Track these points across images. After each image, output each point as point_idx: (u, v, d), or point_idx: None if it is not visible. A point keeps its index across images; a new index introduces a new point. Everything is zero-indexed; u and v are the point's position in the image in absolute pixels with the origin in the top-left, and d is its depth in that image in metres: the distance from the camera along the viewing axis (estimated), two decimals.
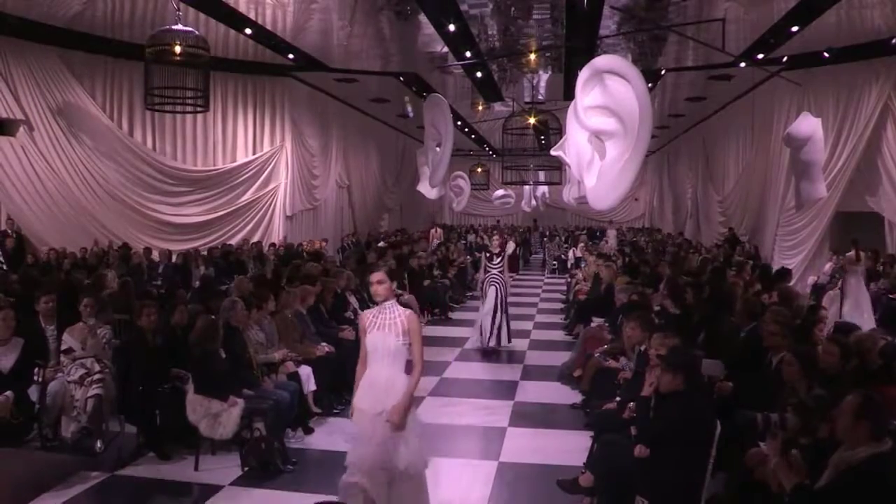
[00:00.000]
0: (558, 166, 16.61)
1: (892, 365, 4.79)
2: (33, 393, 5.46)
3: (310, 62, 14.08)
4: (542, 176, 20.21)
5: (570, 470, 5.14)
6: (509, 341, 10.14)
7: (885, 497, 3.07)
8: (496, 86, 15.83)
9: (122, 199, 13.35)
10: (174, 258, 12.26)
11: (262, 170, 15.52)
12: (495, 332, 9.94)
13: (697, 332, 7.00)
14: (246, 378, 5.80)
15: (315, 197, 17.60)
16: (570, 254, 20.24)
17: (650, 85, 13.43)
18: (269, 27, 11.89)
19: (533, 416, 7.01)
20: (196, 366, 5.54)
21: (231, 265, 12.09)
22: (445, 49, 13.20)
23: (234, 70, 14.52)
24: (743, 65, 12.95)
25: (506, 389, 8.01)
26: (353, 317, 8.75)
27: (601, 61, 6.84)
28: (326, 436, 6.26)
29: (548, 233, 28.42)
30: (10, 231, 11.29)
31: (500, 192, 23.92)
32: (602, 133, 6.77)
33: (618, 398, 5.41)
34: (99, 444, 5.58)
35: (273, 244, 14.83)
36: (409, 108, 18.88)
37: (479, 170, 22.60)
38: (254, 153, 15.53)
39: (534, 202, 24.52)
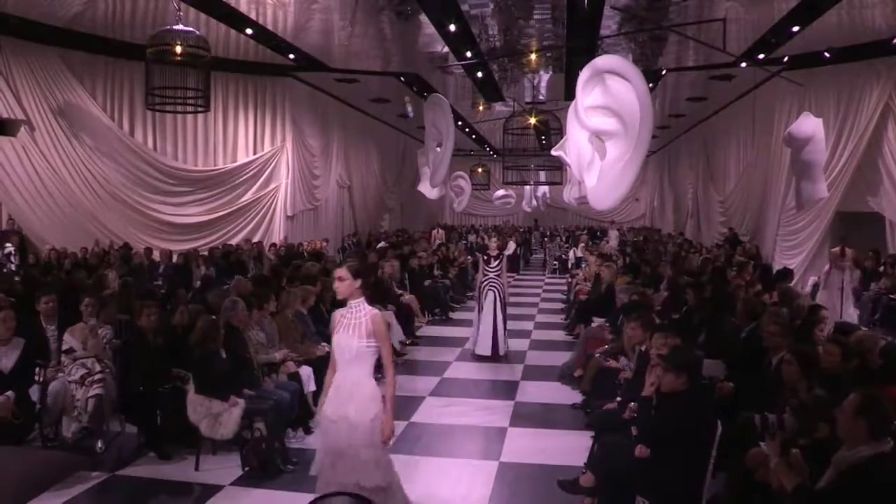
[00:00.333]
0: (559, 166, 16.60)
1: (893, 365, 4.78)
2: (34, 393, 5.47)
3: (310, 62, 14.08)
4: (542, 176, 20.20)
5: (570, 470, 5.15)
6: (507, 346, 9.74)
7: (887, 498, 3.07)
8: (497, 86, 15.83)
9: (123, 199, 13.36)
10: (175, 258, 12.27)
11: (263, 170, 15.53)
12: (497, 339, 9.53)
13: (698, 333, 7.01)
14: (246, 378, 5.80)
15: (316, 197, 17.60)
16: (571, 254, 20.24)
17: (651, 85, 13.46)
18: (269, 27, 11.89)
19: (533, 417, 7.01)
20: (197, 366, 5.54)
21: (231, 265, 12.09)
22: (446, 49, 13.20)
23: (234, 70, 14.53)
24: (744, 65, 12.94)
25: (506, 389, 8.02)
26: None
27: (602, 61, 6.84)
28: None
29: (548, 233, 28.41)
30: (12, 231, 11.29)
31: (501, 192, 23.93)
32: (603, 133, 6.77)
33: (618, 398, 5.41)
34: (100, 443, 5.59)
35: (274, 244, 14.84)
36: (410, 109, 18.88)
37: (480, 170, 22.60)
38: (254, 153, 15.54)
39: (534, 202, 24.52)
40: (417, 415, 6.97)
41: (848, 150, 12.97)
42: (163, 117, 13.55)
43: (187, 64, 7.27)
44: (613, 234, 23.21)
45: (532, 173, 18.55)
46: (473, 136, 24.31)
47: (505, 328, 9.75)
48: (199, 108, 7.96)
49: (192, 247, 13.51)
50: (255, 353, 6.21)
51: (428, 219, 28.43)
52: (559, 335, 11.31)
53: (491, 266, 9.93)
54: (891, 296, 10.81)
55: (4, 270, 10.23)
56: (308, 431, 6.26)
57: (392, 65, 15.07)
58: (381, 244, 17.80)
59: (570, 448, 5.85)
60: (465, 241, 23.87)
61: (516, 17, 11.79)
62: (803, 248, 13.83)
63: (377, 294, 10.13)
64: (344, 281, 3.88)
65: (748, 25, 11.25)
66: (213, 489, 5.06)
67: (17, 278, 9.14)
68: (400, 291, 11.15)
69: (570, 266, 19.15)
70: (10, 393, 5.21)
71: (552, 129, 14.77)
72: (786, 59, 12.80)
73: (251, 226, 15.41)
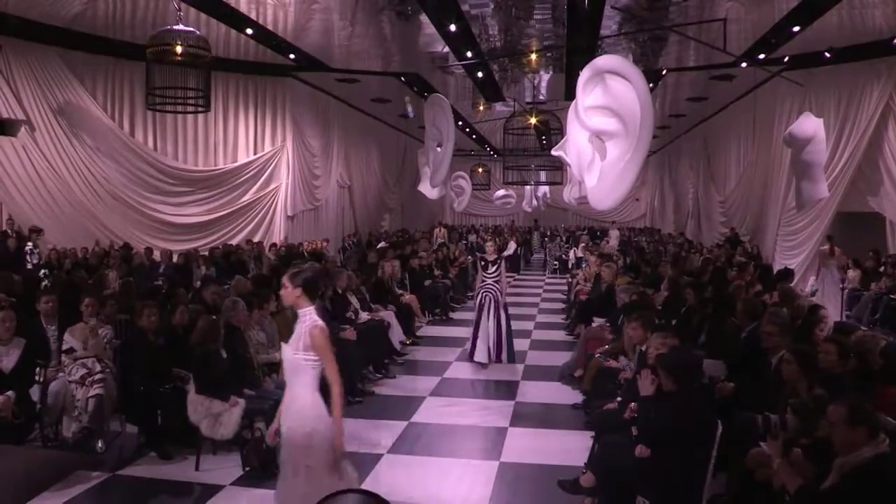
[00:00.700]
0: (559, 166, 16.59)
1: (893, 365, 4.78)
2: (35, 393, 5.47)
3: (311, 62, 14.09)
4: (543, 176, 20.18)
5: (571, 470, 5.15)
6: (511, 353, 9.24)
7: (890, 498, 3.07)
8: (497, 86, 15.83)
9: (124, 199, 13.37)
10: (175, 258, 12.27)
11: (263, 170, 15.54)
12: (503, 347, 9.12)
13: (698, 333, 7.01)
14: (247, 378, 5.80)
15: (316, 197, 17.61)
16: (571, 254, 20.23)
17: (651, 85, 13.46)
18: (270, 27, 11.90)
19: (534, 417, 7.01)
20: (197, 366, 5.54)
21: (232, 265, 12.10)
22: (446, 49, 13.20)
23: (235, 70, 14.53)
24: (744, 65, 12.95)
25: (507, 389, 8.01)
26: (353, 317, 8.77)
27: (602, 61, 6.83)
28: None
29: (549, 233, 28.41)
30: (10, 231, 11.29)
31: (501, 192, 23.92)
32: (603, 133, 6.75)
33: (619, 398, 5.41)
34: (100, 443, 5.59)
35: (274, 244, 14.85)
36: (410, 109, 18.88)
37: (481, 170, 22.61)
38: (255, 153, 15.55)
39: (535, 202, 24.53)
40: (418, 415, 6.97)
41: (848, 150, 12.97)
42: (163, 117, 13.55)
43: (188, 64, 7.29)
44: (614, 234, 23.20)
45: (532, 173, 18.53)
46: (474, 136, 24.32)
47: (509, 333, 9.24)
48: (200, 108, 7.97)
49: (192, 247, 13.52)
50: (256, 352, 6.22)
51: (428, 219, 28.44)
52: (559, 335, 11.30)
53: (488, 272, 9.25)
54: (891, 296, 10.82)
55: (28, 267, 10.35)
56: None
57: (392, 65, 15.07)
58: (382, 244, 17.81)
59: (570, 448, 5.85)
60: (465, 241, 23.87)
61: (516, 17, 11.79)
62: (804, 248, 13.84)
63: (377, 294, 10.16)
64: (285, 288, 3.72)
65: (748, 25, 11.26)
66: (214, 489, 5.06)
67: (42, 273, 9.40)
68: (400, 291, 11.14)
69: (570, 266, 19.14)
70: (10, 393, 5.21)
71: (552, 129, 14.77)
72: (786, 59, 12.81)
73: (251, 226, 15.42)
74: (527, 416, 6.98)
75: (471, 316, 10.79)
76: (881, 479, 3.08)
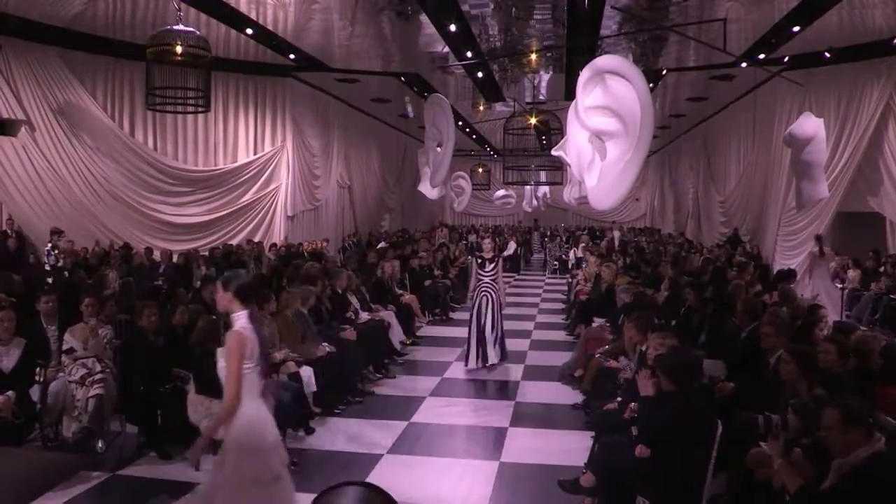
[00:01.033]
0: (559, 166, 16.60)
1: (893, 365, 4.78)
2: (35, 393, 5.48)
3: (311, 62, 14.09)
4: (543, 176, 20.20)
5: (571, 470, 5.15)
6: (505, 356, 9.00)
7: (890, 496, 3.08)
8: (497, 86, 15.82)
9: (124, 199, 13.36)
10: (175, 258, 12.27)
11: (264, 170, 15.53)
12: (495, 349, 8.81)
13: (698, 333, 7.01)
14: None
15: (316, 197, 17.60)
16: (571, 254, 20.24)
17: (651, 85, 13.45)
18: (270, 27, 11.89)
19: (534, 417, 7.01)
20: (197, 366, 5.53)
21: (232, 265, 12.08)
22: (446, 49, 13.20)
23: (235, 70, 14.52)
24: (744, 65, 12.94)
25: (507, 389, 8.02)
26: (353, 317, 8.78)
27: (602, 61, 6.83)
28: (327, 436, 6.27)
29: (549, 233, 28.42)
30: (10, 231, 11.29)
31: (502, 192, 23.93)
32: (603, 133, 6.76)
33: (619, 398, 5.42)
34: (100, 443, 5.59)
35: (274, 244, 14.85)
36: (410, 109, 18.89)
37: (481, 170, 22.61)
38: (255, 153, 15.54)
39: (535, 202, 24.54)
40: (418, 415, 6.98)
41: (848, 150, 12.97)
42: (163, 117, 13.54)
43: (188, 64, 7.28)
44: (616, 235, 23.19)
45: (532, 173, 18.55)
46: (474, 137, 24.32)
47: (501, 338, 8.92)
48: (200, 109, 7.96)
49: (192, 247, 13.51)
50: None
51: (428, 219, 28.45)
52: (560, 335, 11.30)
53: (486, 270, 9.01)
54: (891, 296, 10.83)
55: (48, 265, 10.43)
56: (309, 432, 6.27)
57: (392, 65, 15.07)
58: (382, 244, 17.81)
59: (570, 448, 5.85)
60: (465, 241, 23.88)
61: (516, 17, 11.79)
62: (804, 248, 13.82)
63: (377, 294, 10.17)
64: (218, 293, 3.65)
65: (748, 25, 11.26)
66: None
67: (66, 272, 9.51)
68: (400, 291, 11.15)
69: (570, 266, 19.15)
70: (10, 393, 5.22)
71: (552, 129, 14.78)
72: (786, 59, 12.80)
73: (251, 226, 15.41)
74: (527, 416, 6.99)
75: None
76: (879, 478, 3.09)
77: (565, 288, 15.57)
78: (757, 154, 16.20)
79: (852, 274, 12.17)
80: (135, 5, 10.90)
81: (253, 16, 11.29)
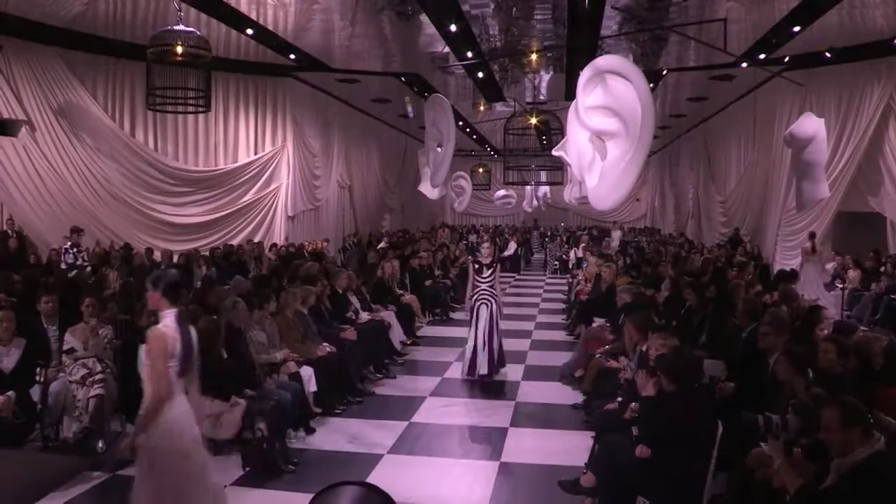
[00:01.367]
0: (560, 166, 16.58)
1: (894, 365, 4.78)
2: (35, 393, 5.47)
3: (311, 62, 14.09)
4: (543, 176, 20.18)
5: (571, 470, 5.15)
6: (503, 365, 8.52)
7: (890, 495, 3.08)
8: (498, 86, 15.83)
9: (124, 199, 13.36)
10: (176, 258, 12.27)
11: (264, 170, 15.54)
12: (486, 359, 8.23)
13: (699, 333, 7.01)
14: (248, 378, 5.80)
15: (316, 197, 17.61)
16: (572, 254, 20.24)
17: (652, 85, 13.44)
18: (270, 27, 11.89)
19: (534, 417, 7.01)
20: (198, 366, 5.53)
21: (232, 265, 12.10)
22: (447, 49, 13.20)
23: (235, 70, 14.53)
24: (744, 65, 12.94)
25: (507, 390, 8.01)
26: (354, 317, 8.78)
27: (603, 61, 6.83)
28: (328, 436, 6.27)
29: (549, 233, 28.42)
30: (10, 231, 11.29)
31: (502, 192, 23.94)
32: (604, 133, 6.76)
33: (619, 398, 5.41)
34: (101, 444, 5.59)
35: (275, 244, 14.85)
36: (410, 109, 18.89)
37: (481, 170, 22.61)
38: (255, 153, 15.55)
39: (535, 202, 24.55)
40: (418, 415, 6.97)
41: (849, 151, 12.98)
42: (164, 117, 13.55)
43: (188, 64, 7.28)
44: (616, 235, 23.19)
45: (533, 173, 18.53)
46: (474, 137, 24.33)
47: (499, 349, 8.40)
48: (200, 109, 7.96)
49: (193, 247, 13.52)
50: (256, 353, 6.22)
51: (429, 219, 28.46)
52: (560, 335, 11.30)
53: (483, 276, 8.43)
54: (891, 296, 10.82)
55: (65, 264, 10.48)
56: (309, 432, 6.27)
57: (393, 65, 15.07)
58: (382, 244, 17.81)
59: (570, 448, 5.84)
60: (465, 242, 23.89)
61: (517, 17, 11.79)
62: None
63: (378, 294, 10.17)
64: (148, 291, 3.65)
65: (749, 25, 11.26)
66: None
67: (89, 269, 9.55)
68: (401, 291, 11.15)
69: (570, 266, 19.14)
70: (11, 393, 5.22)
71: (553, 130, 14.77)
72: (786, 59, 12.80)
73: (252, 226, 15.42)
74: (527, 417, 6.98)
75: None
76: (878, 477, 3.09)
77: (566, 288, 15.57)
78: (757, 154, 16.20)
79: (853, 274, 12.17)
80: (135, 6, 10.90)
81: (253, 16, 11.29)
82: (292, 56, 13.56)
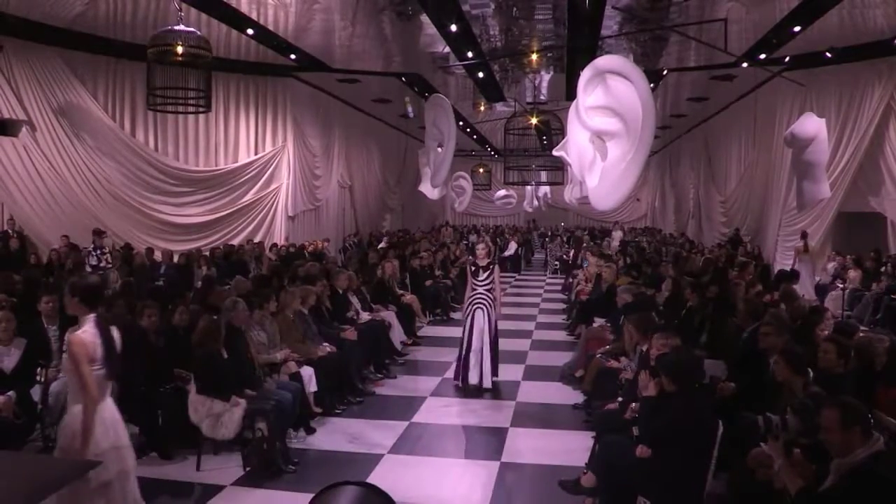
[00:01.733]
0: (560, 166, 16.58)
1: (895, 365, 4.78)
2: (36, 393, 5.47)
3: (312, 62, 14.10)
4: (544, 176, 20.19)
5: (571, 470, 5.15)
6: (495, 375, 7.92)
7: (889, 496, 3.08)
8: (498, 86, 15.84)
9: (125, 199, 13.37)
10: (176, 258, 12.27)
11: (264, 170, 15.55)
12: (478, 368, 7.76)
13: (699, 333, 7.01)
14: (248, 378, 5.80)
15: (317, 197, 17.62)
16: (572, 254, 20.23)
17: (652, 85, 13.45)
18: (270, 28, 11.90)
19: (535, 417, 7.01)
20: (198, 366, 5.54)
21: (233, 265, 12.10)
22: (447, 49, 13.21)
23: (235, 70, 14.54)
24: (745, 65, 12.94)
25: (507, 390, 8.00)
26: (354, 317, 8.78)
27: (603, 61, 6.83)
28: (328, 436, 6.27)
29: (549, 233, 28.42)
30: (11, 232, 11.30)
31: (502, 192, 23.95)
32: (604, 133, 6.76)
33: (619, 398, 5.41)
34: None
35: (275, 244, 14.85)
36: (411, 109, 18.90)
37: (481, 170, 22.62)
38: (256, 153, 15.56)
39: (536, 202, 24.56)
40: (418, 415, 6.97)
41: (849, 151, 12.98)
42: (164, 118, 13.56)
43: (188, 64, 7.28)
44: (617, 235, 23.19)
45: (533, 173, 18.53)
46: (475, 137, 24.34)
47: (493, 358, 7.88)
48: (201, 109, 7.96)
49: (193, 247, 13.53)
50: (257, 353, 6.22)
51: (429, 219, 28.47)
52: (560, 335, 11.30)
53: (479, 279, 7.84)
54: (892, 296, 10.82)
55: (89, 266, 10.50)
56: (309, 432, 6.27)
57: (393, 65, 15.08)
58: (383, 244, 17.81)
59: (571, 448, 5.85)
60: (465, 242, 23.89)
61: (517, 17, 11.80)
62: None
63: (378, 294, 10.17)
64: (66, 296, 3.64)
65: (749, 25, 11.26)
66: (215, 489, 5.06)
67: (114, 273, 9.57)
68: (401, 291, 11.14)
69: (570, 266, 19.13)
70: (11, 393, 5.21)
71: (553, 130, 14.77)
72: (787, 59, 12.81)
73: (252, 226, 15.43)
74: (527, 417, 6.98)
75: None
76: (878, 478, 3.09)
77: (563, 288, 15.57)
78: (758, 154, 16.21)
79: (853, 274, 12.17)
80: (135, 6, 10.91)
81: (254, 16, 11.30)
82: (293, 56, 13.56)
